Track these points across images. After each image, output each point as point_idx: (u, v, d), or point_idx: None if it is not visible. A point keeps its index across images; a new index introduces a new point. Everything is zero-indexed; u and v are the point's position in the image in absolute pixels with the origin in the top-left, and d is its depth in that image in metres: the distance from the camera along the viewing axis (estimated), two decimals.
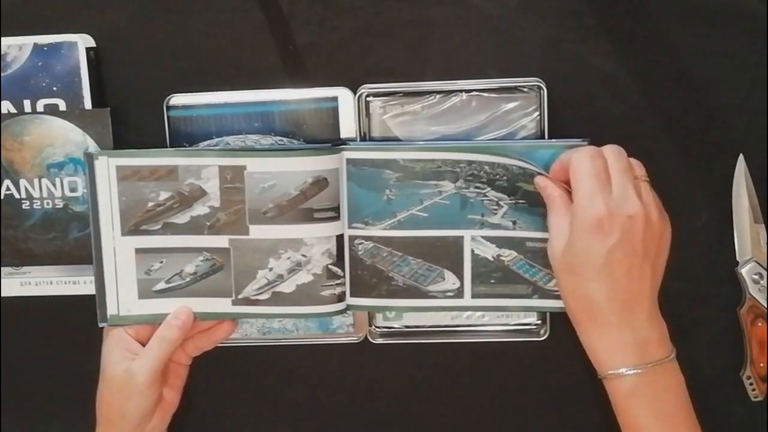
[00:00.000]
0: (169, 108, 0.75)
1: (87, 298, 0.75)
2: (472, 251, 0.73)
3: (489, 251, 0.73)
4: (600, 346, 0.66)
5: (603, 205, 0.64)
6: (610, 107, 0.74)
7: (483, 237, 0.73)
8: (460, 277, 0.73)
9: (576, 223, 0.65)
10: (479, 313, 0.77)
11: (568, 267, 0.66)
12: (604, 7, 0.73)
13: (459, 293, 0.74)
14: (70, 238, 0.77)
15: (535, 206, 0.71)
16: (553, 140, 0.72)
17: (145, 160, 0.72)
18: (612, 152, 0.67)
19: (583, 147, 0.68)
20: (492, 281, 0.73)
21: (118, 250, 0.73)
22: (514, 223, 0.72)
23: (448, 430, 0.79)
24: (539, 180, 0.70)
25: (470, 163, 0.72)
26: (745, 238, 0.74)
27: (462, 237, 0.73)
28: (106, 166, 0.72)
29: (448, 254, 0.73)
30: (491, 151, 0.71)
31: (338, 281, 0.74)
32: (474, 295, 0.74)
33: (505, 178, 0.72)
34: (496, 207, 0.72)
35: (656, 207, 0.66)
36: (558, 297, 0.71)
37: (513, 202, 0.72)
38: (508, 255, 0.73)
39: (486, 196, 0.72)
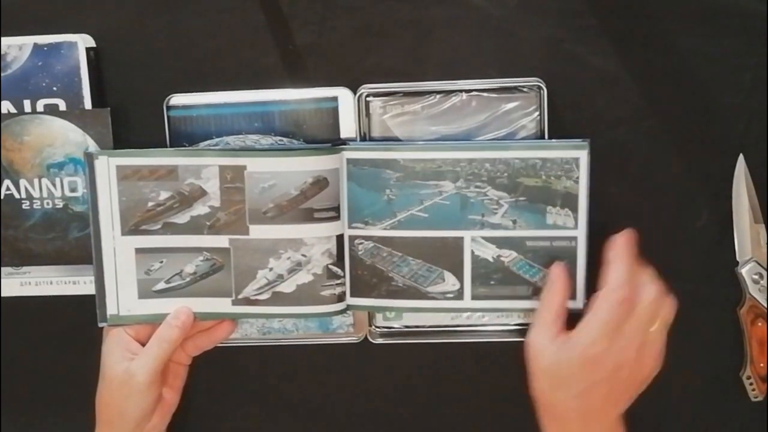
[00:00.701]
0: (169, 108, 0.75)
1: (87, 298, 0.75)
2: (472, 252, 0.73)
3: (489, 252, 0.73)
4: None
5: (601, 349, 0.66)
6: (610, 107, 0.74)
7: (483, 237, 0.73)
8: (460, 279, 0.73)
9: (570, 344, 0.67)
10: (479, 313, 0.77)
11: (546, 373, 0.68)
12: (604, 7, 0.73)
13: (459, 295, 0.74)
14: (70, 238, 0.77)
15: (535, 203, 0.72)
16: (553, 140, 0.72)
17: (145, 160, 0.72)
18: (651, 301, 0.67)
19: (618, 284, 0.67)
20: (492, 282, 0.73)
21: (118, 250, 0.73)
22: (514, 222, 0.72)
23: (448, 430, 0.79)
24: (555, 269, 0.71)
25: (471, 161, 0.72)
26: (745, 238, 0.74)
27: (462, 238, 0.73)
28: (106, 166, 0.72)
29: (448, 255, 0.73)
30: (493, 149, 0.72)
31: (338, 281, 0.74)
32: (474, 297, 0.74)
33: (506, 174, 0.72)
34: (496, 206, 0.72)
35: (653, 359, 0.67)
36: None
37: (513, 200, 0.72)
38: (508, 255, 0.73)
39: (486, 195, 0.72)
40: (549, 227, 0.72)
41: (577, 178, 0.71)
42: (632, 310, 0.66)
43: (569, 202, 0.72)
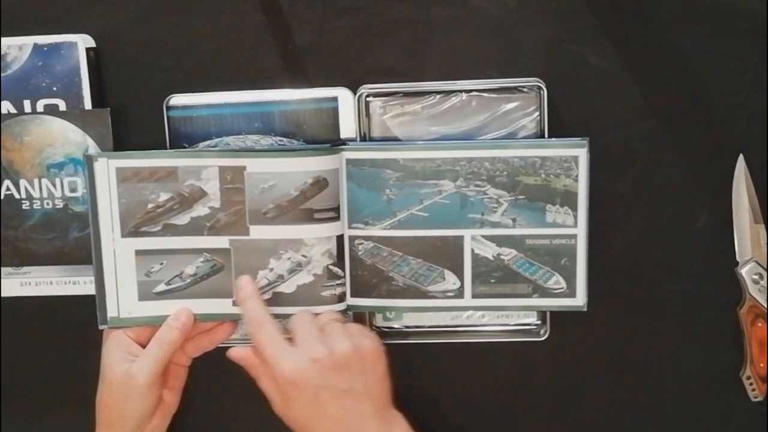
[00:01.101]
0: (169, 108, 0.75)
1: (87, 298, 0.75)
2: (473, 251, 0.73)
3: (489, 250, 0.73)
4: None
5: (287, 363, 0.67)
6: (610, 107, 0.74)
7: (483, 236, 0.73)
8: (461, 277, 0.74)
9: (277, 384, 0.68)
10: (479, 313, 0.77)
11: (294, 424, 0.69)
12: (604, 7, 0.73)
13: (459, 293, 0.74)
14: (70, 239, 0.77)
15: (534, 201, 0.72)
16: (553, 140, 0.72)
17: (144, 162, 0.72)
18: (293, 322, 0.70)
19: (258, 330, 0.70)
20: (492, 281, 0.73)
21: (118, 252, 0.73)
22: (514, 220, 0.72)
23: (448, 430, 0.79)
24: (233, 353, 0.72)
25: (470, 160, 0.72)
26: (745, 238, 0.74)
27: (462, 237, 0.73)
28: (106, 168, 0.72)
29: (448, 254, 0.73)
30: (493, 147, 0.72)
31: (338, 281, 0.74)
32: (474, 295, 0.74)
33: (505, 173, 0.72)
34: (495, 205, 0.72)
35: (342, 337, 0.68)
36: (558, 295, 0.72)
37: (512, 198, 0.72)
38: (508, 254, 0.73)
39: (486, 194, 0.72)
40: (549, 225, 0.72)
41: (577, 176, 0.71)
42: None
43: (569, 200, 0.72)
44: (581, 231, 0.72)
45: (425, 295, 0.74)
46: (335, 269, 0.73)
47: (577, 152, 0.71)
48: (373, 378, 0.68)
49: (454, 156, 0.72)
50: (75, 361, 0.80)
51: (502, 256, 0.73)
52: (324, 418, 0.67)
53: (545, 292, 0.73)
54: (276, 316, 0.75)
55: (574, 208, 0.72)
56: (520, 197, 0.72)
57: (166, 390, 0.74)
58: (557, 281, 0.72)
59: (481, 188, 0.72)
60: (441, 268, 0.74)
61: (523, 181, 0.72)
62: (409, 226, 0.73)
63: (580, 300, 0.73)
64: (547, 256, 0.72)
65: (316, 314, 0.71)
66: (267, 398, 0.68)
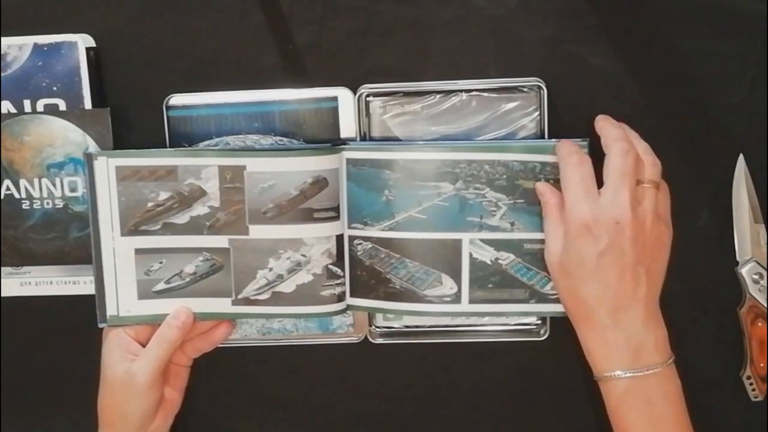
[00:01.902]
0: (169, 108, 0.75)
1: (87, 298, 0.75)
2: (470, 254, 0.73)
3: (487, 255, 0.73)
4: (595, 348, 0.67)
5: (588, 210, 0.65)
6: (610, 107, 0.74)
7: (481, 240, 0.73)
8: (458, 281, 0.73)
9: (566, 227, 0.67)
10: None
11: (563, 270, 0.68)
12: (604, 7, 0.73)
13: (456, 298, 0.73)
14: (70, 238, 0.77)
15: (533, 205, 0.71)
16: (553, 140, 0.72)
17: (144, 161, 0.72)
18: (616, 153, 0.67)
19: (572, 150, 0.69)
20: (490, 285, 0.73)
21: (118, 250, 0.73)
22: (512, 224, 0.72)
23: (448, 430, 0.79)
24: (540, 186, 0.71)
25: (470, 162, 0.72)
26: (745, 238, 0.74)
27: (460, 240, 0.73)
28: (106, 167, 0.72)
29: (446, 258, 0.73)
30: (493, 150, 0.71)
31: (338, 281, 0.74)
32: (471, 300, 0.73)
33: (505, 176, 0.71)
34: (494, 208, 0.72)
35: (653, 214, 0.66)
36: (555, 301, 0.72)
37: (511, 202, 0.72)
38: (506, 258, 0.73)
39: (485, 197, 0.72)
40: None
41: None
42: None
43: None
44: None
45: (422, 299, 0.74)
46: (335, 269, 0.73)
47: None
48: (657, 268, 0.67)
49: (453, 158, 0.72)
50: (75, 361, 0.80)
51: (500, 261, 0.73)
52: (594, 277, 0.65)
53: (542, 298, 0.73)
54: (275, 316, 0.75)
55: None
56: (519, 201, 0.72)
57: (168, 389, 0.74)
58: (554, 286, 0.72)
59: (481, 191, 0.72)
60: (438, 272, 0.73)
61: (522, 186, 0.72)
62: (408, 228, 0.73)
63: None
64: (545, 260, 0.71)
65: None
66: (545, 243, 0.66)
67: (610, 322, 0.65)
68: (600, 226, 0.65)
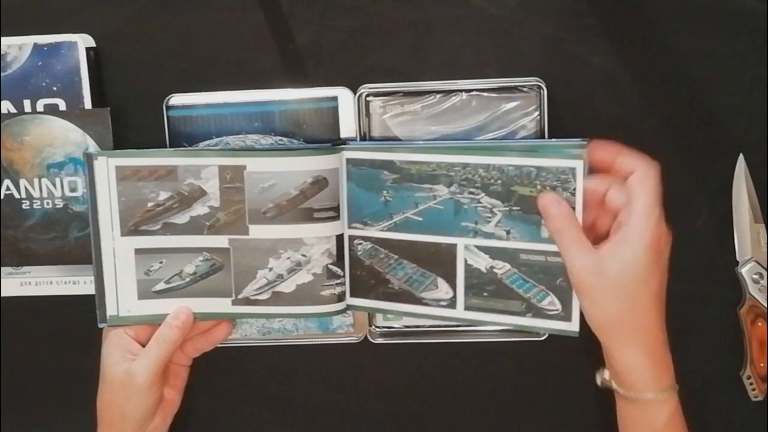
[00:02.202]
0: (169, 108, 0.75)
1: (87, 298, 0.75)
2: (465, 261, 0.72)
3: (482, 262, 0.72)
4: (651, 365, 0.66)
5: (663, 226, 0.65)
6: (610, 107, 0.74)
7: (476, 246, 0.71)
8: (453, 287, 0.72)
9: (633, 237, 0.64)
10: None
11: (606, 281, 0.64)
12: (604, 7, 0.73)
13: (452, 303, 0.73)
14: (70, 238, 0.77)
15: (529, 214, 0.69)
16: (553, 140, 0.72)
17: (144, 160, 0.72)
18: (649, 174, 0.65)
19: (642, 162, 0.66)
20: (485, 294, 0.72)
21: (118, 250, 0.73)
22: (508, 232, 0.70)
23: (448, 430, 0.79)
24: (543, 199, 0.68)
25: (465, 166, 0.70)
26: (745, 238, 0.74)
27: (455, 245, 0.72)
28: (106, 167, 0.72)
29: (441, 262, 0.72)
30: (489, 152, 0.70)
31: (338, 281, 0.74)
32: (467, 307, 0.72)
33: (500, 181, 0.70)
34: (489, 215, 0.71)
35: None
36: (553, 317, 0.70)
37: (507, 209, 0.70)
38: (502, 267, 0.71)
39: (480, 202, 0.71)
40: (544, 241, 0.69)
41: (574, 189, 0.68)
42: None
43: None
44: None
45: (419, 301, 0.73)
46: (335, 269, 0.73)
47: (575, 164, 0.67)
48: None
49: (448, 161, 0.71)
50: (75, 361, 0.80)
51: (495, 269, 0.71)
52: (646, 292, 0.65)
53: (539, 313, 0.71)
54: (275, 316, 0.75)
55: None
56: (515, 208, 0.70)
57: (168, 389, 0.74)
58: (552, 302, 0.70)
59: (476, 196, 0.71)
60: (434, 275, 0.73)
61: (518, 192, 0.70)
62: (405, 230, 0.73)
63: (574, 325, 0.70)
64: (542, 274, 0.70)
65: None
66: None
67: (663, 338, 0.66)
68: (665, 243, 0.65)
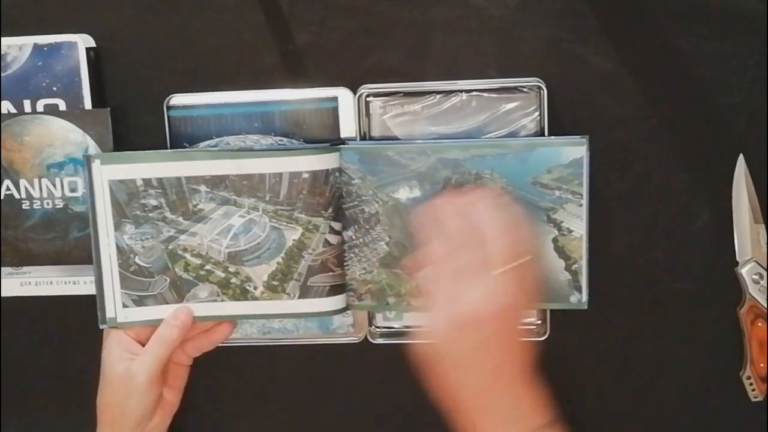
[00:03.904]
0: (169, 108, 0.75)
1: (87, 298, 0.75)
2: None
3: None
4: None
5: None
6: (610, 107, 0.74)
7: None
8: None
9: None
10: None
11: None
12: (604, 7, 0.73)
13: None
14: (70, 238, 0.77)
15: None
16: (552, 138, 0.72)
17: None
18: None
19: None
20: None
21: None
22: None
23: (448, 429, 0.79)
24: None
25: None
26: (745, 238, 0.74)
27: None
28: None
29: None
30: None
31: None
32: None
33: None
34: None
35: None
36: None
37: None
38: None
39: None
40: None
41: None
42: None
43: None
44: (582, 231, 0.72)
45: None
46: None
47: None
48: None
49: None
50: (75, 361, 0.80)
51: None
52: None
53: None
54: (275, 316, 0.75)
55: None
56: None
57: (167, 389, 0.74)
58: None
59: None
60: None
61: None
62: None
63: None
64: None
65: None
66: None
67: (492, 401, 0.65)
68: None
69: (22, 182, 0.77)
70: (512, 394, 0.65)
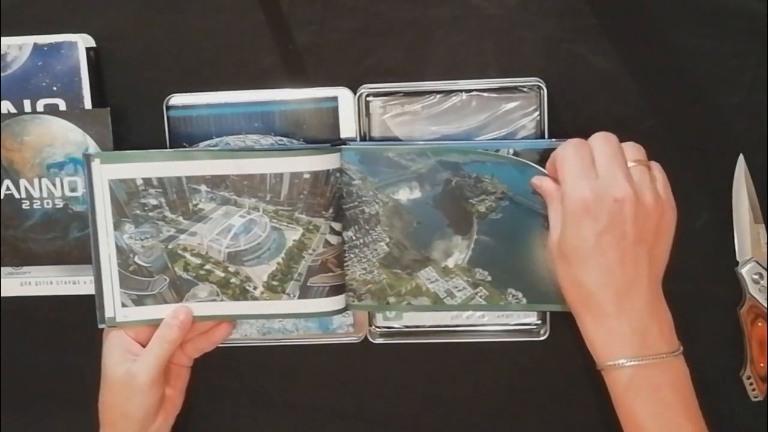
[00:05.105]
0: (169, 108, 0.75)
1: (87, 298, 0.75)
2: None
3: None
4: (597, 337, 0.65)
5: (588, 189, 0.63)
6: (610, 107, 0.74)
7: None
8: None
9: (565, 210, 0.65)
10: (479, 313, 0.76)
11: (562, 255, 0.66)
12: (604, 7, 0.73)
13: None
14: (70, 238, 0.77)
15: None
16: (553, 140, 0.72)
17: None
18: (598, 140, 0.66)
19: (568, 140, 0.67)
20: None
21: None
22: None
23: (448, 430, 0.79)
24: (534, 180, 0.70)
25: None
26: (745, 238, 0.74)
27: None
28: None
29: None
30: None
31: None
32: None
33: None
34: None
35: (651, 191, 0.65)
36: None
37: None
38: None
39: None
40: None
41: None
42: (593, 155, 0.65)
43: None
44: None
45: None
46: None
47: None
48: (660, 250, 0.65)
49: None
50: (75, 361, 0.80)
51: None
52: (594, 260, 0.63)
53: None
54: (275, 316, 0.75)
55: None
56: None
57: (169, 389, 0.74)
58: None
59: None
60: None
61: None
62: None
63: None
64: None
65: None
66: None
67: (612, 308, 0.64)
68: (599, 204, 0.63)
69: (22, 182, 0.77)
70: (639, 308, 0.64)
